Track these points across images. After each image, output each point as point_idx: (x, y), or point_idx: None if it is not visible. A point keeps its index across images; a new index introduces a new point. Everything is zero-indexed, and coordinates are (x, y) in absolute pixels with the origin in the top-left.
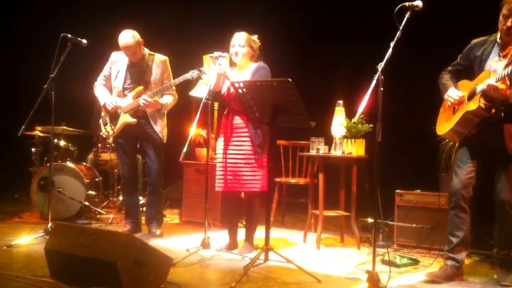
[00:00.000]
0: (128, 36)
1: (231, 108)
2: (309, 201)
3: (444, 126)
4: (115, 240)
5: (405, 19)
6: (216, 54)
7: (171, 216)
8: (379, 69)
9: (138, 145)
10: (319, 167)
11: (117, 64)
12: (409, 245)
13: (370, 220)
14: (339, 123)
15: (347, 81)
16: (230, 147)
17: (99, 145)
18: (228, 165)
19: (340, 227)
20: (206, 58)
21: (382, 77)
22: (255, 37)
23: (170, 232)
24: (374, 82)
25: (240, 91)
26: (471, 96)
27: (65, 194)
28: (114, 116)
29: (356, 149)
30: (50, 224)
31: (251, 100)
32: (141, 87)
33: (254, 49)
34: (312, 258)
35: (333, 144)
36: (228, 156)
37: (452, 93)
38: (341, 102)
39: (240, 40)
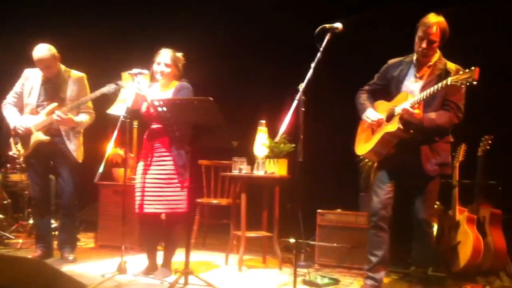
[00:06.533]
0: (43, 49)
1: (152, 129)
2: (231, 222)
3: (364, 146)
4: (25, 267)
5: (325, 40)
6: (134, 71)
7: (85, 240)
8: (300, 90)
9: (51, 165)
10: (241, 187)
11: (30, 80)
12: (330, 265)
13: (292, 240)
14: (261, 142)
15: (270, 101)
16: (152, 168)
17: (8, 165)
18: (149, 186)
19: (263, 248)
20: (125, 76)
21: (303, 97)
22: (180, 54)
23: (84, 257)
24: (295, 102)
25: (159, 109)
26: (390, 117)
27: None
28: (25, 135)
29: (278, 169)
30: None
31: (171, 119)
32: (55, 104)
33: (179, 69)
34: (234, 280)
35: (256, 164)
36: (149, 177)
37: (371, 115)
38: (263, 121)
39: (167, 59)
